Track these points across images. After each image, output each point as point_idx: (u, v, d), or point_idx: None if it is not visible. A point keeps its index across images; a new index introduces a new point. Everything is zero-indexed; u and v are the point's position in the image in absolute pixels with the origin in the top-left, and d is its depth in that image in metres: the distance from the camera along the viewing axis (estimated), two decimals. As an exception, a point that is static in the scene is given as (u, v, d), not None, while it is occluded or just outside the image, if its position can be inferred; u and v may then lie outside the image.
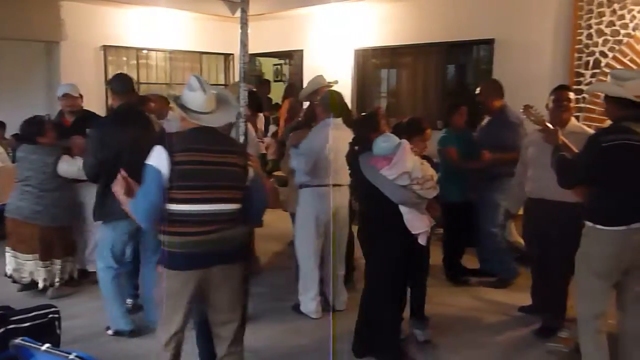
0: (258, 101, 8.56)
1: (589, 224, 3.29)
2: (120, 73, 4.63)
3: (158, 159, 2.74)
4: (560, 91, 4.24)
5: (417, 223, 3.67)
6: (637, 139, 3.09)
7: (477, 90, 5.38)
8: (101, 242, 4.26)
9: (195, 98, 2.86)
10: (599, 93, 5.75)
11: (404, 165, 3.56)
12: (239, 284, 2.96)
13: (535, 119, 3.75)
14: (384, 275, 3.79)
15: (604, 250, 3.23)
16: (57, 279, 4.93)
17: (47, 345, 2.13)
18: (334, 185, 4.50)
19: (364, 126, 4.05)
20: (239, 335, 3.03)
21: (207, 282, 2.84)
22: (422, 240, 3.71)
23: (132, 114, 4.19)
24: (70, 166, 4.71)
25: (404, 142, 3.68)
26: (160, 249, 2.85)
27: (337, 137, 4.45)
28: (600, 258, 3.25)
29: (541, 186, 4.24)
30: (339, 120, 4.58)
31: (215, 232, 2.80)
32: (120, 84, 4.27)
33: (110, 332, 4.24)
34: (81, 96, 5.35)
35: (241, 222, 2.91)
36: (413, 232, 3.68)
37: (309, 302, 4.63)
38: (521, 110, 3.84)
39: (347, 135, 4.36)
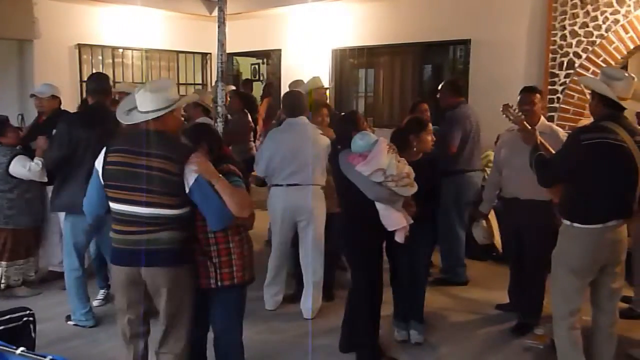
0: (254, 103, 8.55)
1: (566, 222, 3.33)
2: (97, 72, 4.60)
3: (99, 158, 2.97)
4: (524, 94, 4.24)
5: (392, 220, 3.68)
6: (615, 137, 3.13)
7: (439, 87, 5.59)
8: (65, 238, 4.39)
9: (135, 97, 2.98)
10: (581, 89, 5.95)
11: (378, 162, 3.56)
12: (175, 289, 2.93)
13: (513, 119, 3.77)
14: (359, 271, 3.84)
15: (581, 248, 3.27)
16: (17, 279, 4.93)
17: (21, 348, 2.09)
18: (296, 184, 4.50)
19: (345, 125, 4.07)
20: (166, 339, 3.03)
21: (141, 282, 2.93)
22: (398, 238, 3.72)
23: (101, 112, 4.19)
24: (21, 167, 4.62)
25: (381, 139, 3.69)
26: None
27: (305, 137, 4.51)
28: (578, 256, 3.29)
29: (514, 186, 4.33)
30: (304, 119, 4.61)
31: (137, 234, 2.86)
32: (93, 84, 4.31)
33: (70, 322, 4.37)
34: (55, 97, 5.25)
35: (177, 227, 2.88)
36: (388, 229, 3.69)
37: (267, 295, 4.73)
38: (500, 110, 3.86)
39: (315, 134, 4.49)
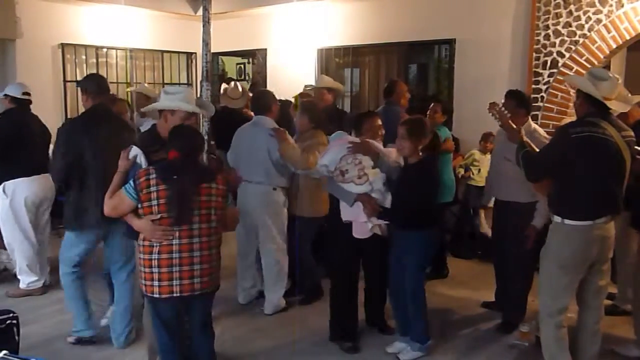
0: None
1: (556, 219, 3.35)
2: (93, 73, 4.53)
3: None
4: (508, 100, 4.23)
5: (346, 211, 3.89)
6: (603, 132, 3.18)
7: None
8: (69, 248, 4.04)
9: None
10: (565, 88, 6.02)
11: (322, 158, 3.98)
12: None
13: (499, 117, 3.79)
14: (332, 261, 4.22)
15: (571, 245, 3.29)
16: None
17: (4, 352, 2.07)
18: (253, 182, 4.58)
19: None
20: None
21: None
22: (355, 232, 3.88)
23: (104, 115, 4.04)
24: None
25: (339, 136, 4.04)
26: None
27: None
28: (568, 253, 3.31)
29: (493, 187, 4.40)
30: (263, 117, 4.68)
31: None
32: (93, 85, 4.08)
33: (70, 339, 4.09)
34: (7, 96, 5.00)
35: None
36: (343, 219, 3.89)
37: (239, 290, 4.87)
38: (487, 108, 3.88)
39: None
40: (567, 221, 3.29)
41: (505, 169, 4.15)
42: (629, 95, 3.52)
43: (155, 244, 2.95)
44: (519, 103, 4.21)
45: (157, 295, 2.97)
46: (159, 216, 2.92)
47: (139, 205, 2.96)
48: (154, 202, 2.92)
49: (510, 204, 4.23)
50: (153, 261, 2.95)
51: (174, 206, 2.89)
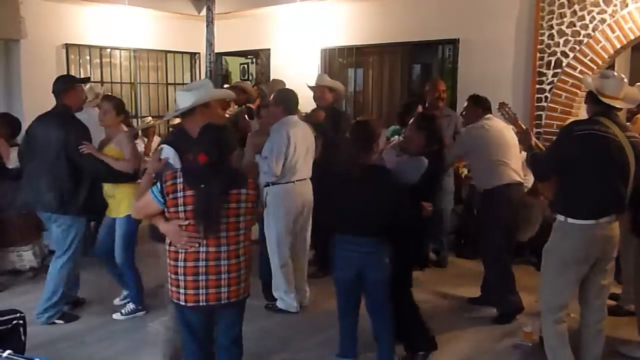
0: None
1: (560, 217, 3.38)
2: (62, 75, 4.75)
3: None
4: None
5: None
6: (606, 130, 3.21)
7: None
8: (75, 234, 4.44)
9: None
10: (569, 88, 6.10)
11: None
12: None
13: (508, 117, 3.84)
14: None
15: (574, 243, 3.31)
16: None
17: (8, 351, 2.07)
18: (298, 180, 4.59)
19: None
20: None
21: None
22: None
23: (56, 115, 4.38)
24: None
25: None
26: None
27: (305, 132, 4.63)
28: (570, 251, 3.33)
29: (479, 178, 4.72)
30: (295, 117, 4.67)
31: None
32: (54, 86, 4.46)
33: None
34: None
35: None
36: None
37: (285, 297, 4.68)
38: (497, 107, 3.92)
39: (305, 130, 4.62)
40: (570, 220, 3.31)
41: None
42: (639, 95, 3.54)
43: (181, 251, 2.82)
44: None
45: (183, 303, 2.85)
46: (186, 222, 2.77)
47: (166, 209, 2.82)
48: (181, 209, 2.77)
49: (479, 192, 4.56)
50: (179, 268, 2.83)
51: (201, 218, 2.74)
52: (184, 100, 3.28)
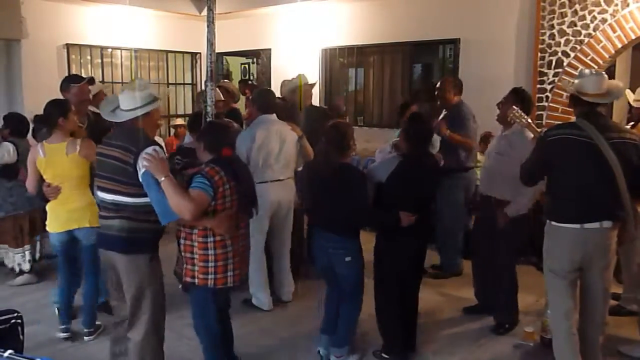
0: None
1: (547, 221, 3.39)
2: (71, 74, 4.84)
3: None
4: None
5: None
6: (579, 134, 3.17)
7: (437, 85, 5.62)
8: None
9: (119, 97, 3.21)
10: (564, 92, 6.00)
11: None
12: (131, 275, 3.11)
13: (519, 121, 3.84)
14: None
15: (559, 246, 3.31)
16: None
17: (9, 351, 2.07)
18: (274, 180, 4.57)
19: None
20: (131, 325, 3.20)
21: (112, 266, 3.20)
22: None
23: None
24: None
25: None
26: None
27: (278, 132, 4.58)
28: (556, 255, 3.34)
29: (484, 184, 4.51)
30: (273, 116, 4.65)
31: (102, 218, 3.21)
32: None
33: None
34: None
35: (130, 216, 3.07)
36: None
37: (260, 295, 4.74)
38: (508, 112, 3.91)
39: (282, 129, 4.59)
40: (553, 223, 3.33)
41: (489, 162, 4.38)
42: (625, 89, 3.53)
43: (227, 237, 3.14)
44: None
45: (222, 286, 3.20)
46: (233, 210, 3.14)
47: (212, 202, 3.05)
48: (227, 199, 3.10)
49: (491, 199, 4.29)
50: (228, 254, 3.18)
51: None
52: (135, 101, 3.17)
